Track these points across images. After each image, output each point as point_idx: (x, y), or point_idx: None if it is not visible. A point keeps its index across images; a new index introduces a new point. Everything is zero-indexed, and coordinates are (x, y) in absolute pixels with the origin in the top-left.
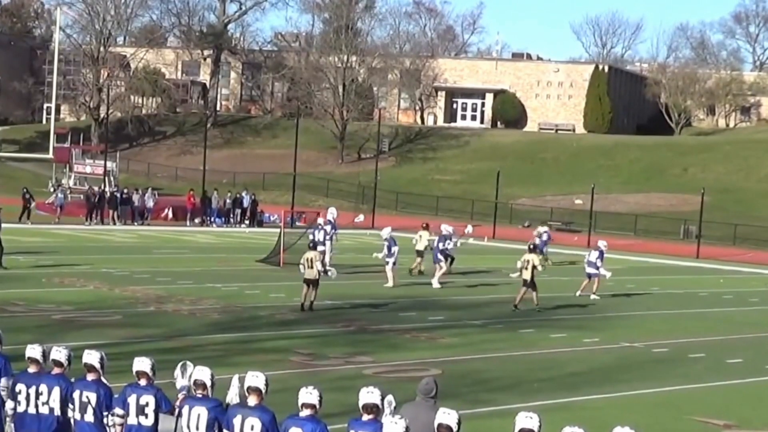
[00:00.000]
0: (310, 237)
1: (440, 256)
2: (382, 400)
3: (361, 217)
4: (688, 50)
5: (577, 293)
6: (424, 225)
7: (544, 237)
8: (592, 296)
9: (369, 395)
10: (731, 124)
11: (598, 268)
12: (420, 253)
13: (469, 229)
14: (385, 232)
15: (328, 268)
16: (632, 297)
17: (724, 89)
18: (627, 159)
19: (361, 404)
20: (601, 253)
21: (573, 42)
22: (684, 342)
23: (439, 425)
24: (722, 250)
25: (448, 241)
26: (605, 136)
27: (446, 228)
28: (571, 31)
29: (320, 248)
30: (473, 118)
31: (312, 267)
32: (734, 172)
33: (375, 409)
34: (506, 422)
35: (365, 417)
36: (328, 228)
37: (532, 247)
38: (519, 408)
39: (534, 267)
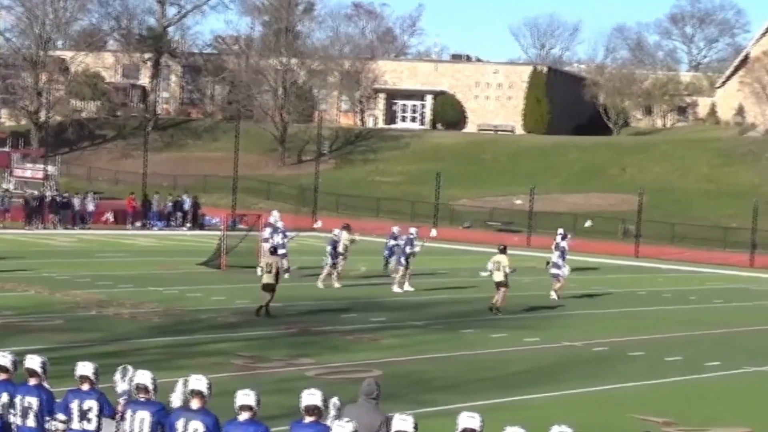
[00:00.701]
0: (268, 239)
1: (403, 260)
2: (324, 402)
3: (319, 223)
4: (626, 51)
5: (552, 296)
6: (345, 225)
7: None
8: (553, 295)
9: (310, 397)
10: (668, 124)
11: (560, 268)
12: (341, 255)
13: (434, 232)
14: (341, 234)
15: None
16: (570, 295)
17: (661, 90)
18: (566, 159)
19: (302, 406)
20: (563, 252)
21: (511, 43)
22: (623, 340)
23: None
24: (660, 249)
25: (414, 245)
26: (544, 137)
27: (412, 231)
28: (510, 33)
29: (281, 251)
30: (413, 119)
31: (271, 272)
32: (671, 171)
33: (317, 411)
34: (448, 422)
35: (307, 419)
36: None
37: (502, 248)
38: (461, 408)
39: (505, 268)
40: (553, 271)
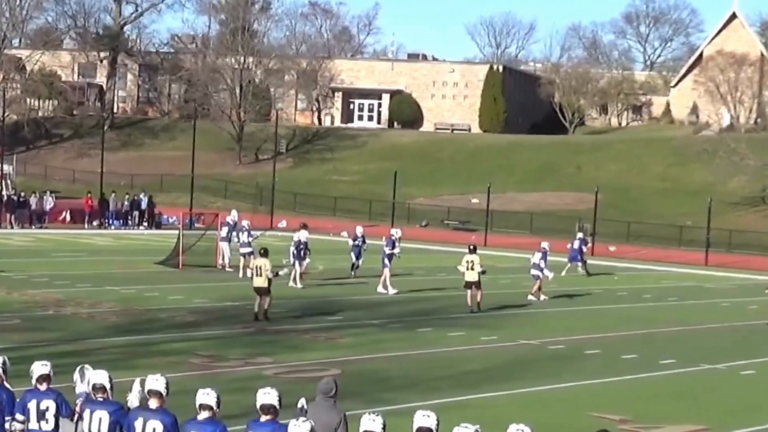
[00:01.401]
0: (227, 238)
1: (386, 261)
2: (280, 400)
3: (283, 223)
4: (581, 50)
5: (529, 297)
6: (302, 224)
7: (576, 245)
8: (530, 296)
9: (266, 396)
10: (623, 123)
11: (542, 270)
12: (266, 252)
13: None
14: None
15: (278, 266)
16: (527, 293)
17: (616, 88)
18: (522, 158)
19: (258, 405)
20: (544, 254)
21: (468, 42)
22: (580, 339)
23: None
24: (616, 247)
25: (395, 246)
26: (500, 136)
27: (396, 231)
28: (466, 32)
29: (244, 249)
30: (370, 118)
31: (261, 275)
32: (627, 170)
33: (272, 410)
34: (405, 421)
35: (263, 418)
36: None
37: (472, 248)
38: (417, 407)
39: (478, 267)
40: (534, 272)
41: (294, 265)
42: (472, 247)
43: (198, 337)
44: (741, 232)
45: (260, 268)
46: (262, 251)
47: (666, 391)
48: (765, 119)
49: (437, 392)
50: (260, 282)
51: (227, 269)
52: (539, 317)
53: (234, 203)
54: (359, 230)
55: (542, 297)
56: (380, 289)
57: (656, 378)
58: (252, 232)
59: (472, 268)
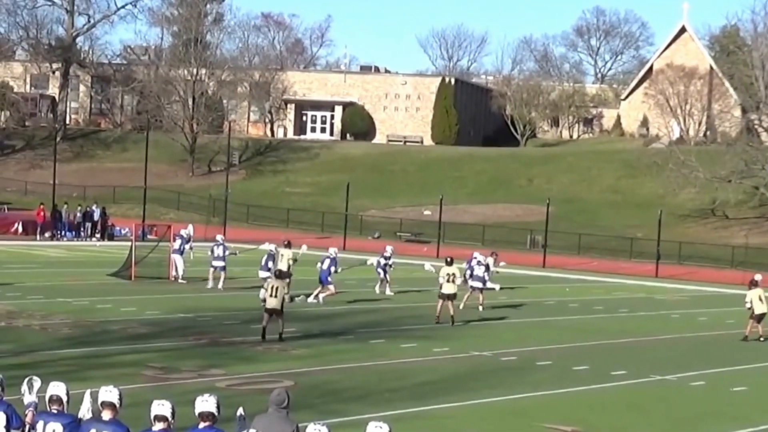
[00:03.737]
0: (217, 253)
1: (380, 270)
2: (218, 407)
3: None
4: (532, 63)
5: (461, 306)
6: (286, 242)
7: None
8: (480, 308)
9: (204, 403)
10: (574, 136)
11: (484, 282)
12: (282, 274)
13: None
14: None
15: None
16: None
17: (567, 101)
18: (473, 170)
19: (197, 412)
20: (487, 266)
21: (420, 55)
22: (531, 350)
23: None
24: (567, 259)
25: (389, 260)
26: (452, 148)
27: (389, 249)
28: (418, 45)
29: (217, 263)
30: (323, 130)
31: (275, 296)
32: (578, 182)
33: (210, 417)
34: None
35: (202, 425)
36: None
37: (449, 260)
38: (370, 418)
39: (457, 279)
40: (474, 283)
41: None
42: (449, 259)
43: (150, 348)
44: (691, 244)
45: (276, 288)
46: (277, 273)
47: (617, 402)
48: (714, 132)
49: (390, 404)
50: (274, 303)
51: (180, 281)
52: (491, 329)
53: (187, 215)
54: (389, 249)
55: (480, 308)
56: (387, 291)
57: (607, 389)
58: (227, 247)
59: (453, 281)
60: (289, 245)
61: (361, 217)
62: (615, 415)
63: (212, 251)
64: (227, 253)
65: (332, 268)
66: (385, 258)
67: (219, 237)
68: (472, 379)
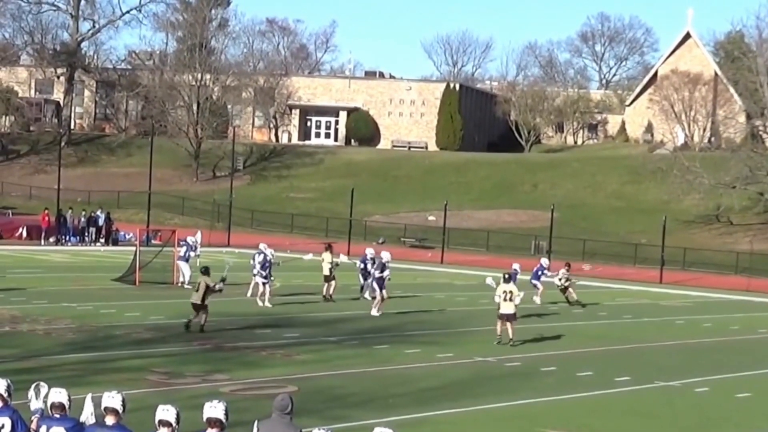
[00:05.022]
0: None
1: (375, 285)
2: (227, 414)
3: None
4: (537, 69)
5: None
6: (327, 246)
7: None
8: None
9: (212, 410)
10: (579, 141)
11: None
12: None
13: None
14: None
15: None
16: (483, 311)
17: (572, 107)
18: (478, 176)
19: (205, 418)
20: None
21: (425, 61)
22: (536, 356)
23: None
24: (572, 265)
25: (384, 269)
26: (457, 154)
27: (386, 255)
28: (423, 50)
29: (260, 278)
30: (327, 135)
31: (198, 290)
32: (582, 188)
33: (218, 424)
34: None
35: (209, 431)
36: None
37: (507, 277)
38: (374, 423)
39: (516, 297)
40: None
41: (263, 283)
42: (507, 275)
43: (154, 353)
44: (695, 250)
45: (199, 284)
46: (203, 270)
47: (621, 408)
48: (719, 138)
49: (393, 409)
50: (195, 298)
51: (186, 286)
52: (495, 334)
53: (191, 220)
54: (369, 252)
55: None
56: (374, 312)
57: (611, 395)
58: (269, 257)
59: (510, 299)
60: (330, 249)
61: (365, 222)
62: (619, 421)
63: (253, 259)
64: (271, 261)
65: (376, 273)
66: (364, 262)
67: (262, 246)
68: (476, 384)
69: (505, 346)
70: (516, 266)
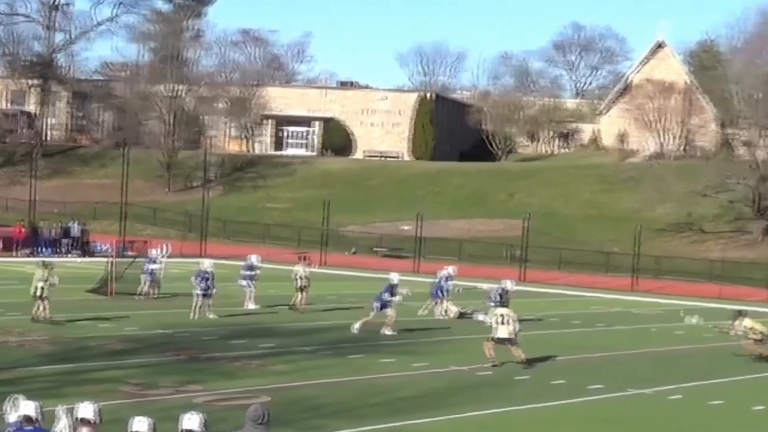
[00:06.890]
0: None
1: (377, 305)
2: (205, 425)
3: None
4: (511, 78)
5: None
6: (303, 256)
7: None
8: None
9: (188, 421)
10: (553, 151)
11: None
12: (300, 289)
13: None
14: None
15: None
16: (461, 320)
17: (546, 116)
18: (452, 185)
19: (180, 430)
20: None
21: (398, 71)
22: (509, 365)
23: None
24: (546, 273)
25: (393, 293)
26: (431, 163)
27: (393, 276)
28: (397, 60)
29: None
30: (301, 146)
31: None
32: (556, 197)
33: None
34: None
35: None
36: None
37: (503, 302)
38: None
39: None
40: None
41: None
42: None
43: (129, 365)
44: (667, 258)
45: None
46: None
47: (594, 417)
48: (692, 147)
49: (369, 419)
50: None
51: (153, 297)
52: (469, 344)
53: (162, 231)
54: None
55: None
56: (386, 331)
57: (584, 403)
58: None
59: (507, 323)
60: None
61: (340, 232)
62: (592, 430)
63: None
64: (212, 274)
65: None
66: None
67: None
68: (452, 394)
69: (480, 355)
70: (508, 283)
